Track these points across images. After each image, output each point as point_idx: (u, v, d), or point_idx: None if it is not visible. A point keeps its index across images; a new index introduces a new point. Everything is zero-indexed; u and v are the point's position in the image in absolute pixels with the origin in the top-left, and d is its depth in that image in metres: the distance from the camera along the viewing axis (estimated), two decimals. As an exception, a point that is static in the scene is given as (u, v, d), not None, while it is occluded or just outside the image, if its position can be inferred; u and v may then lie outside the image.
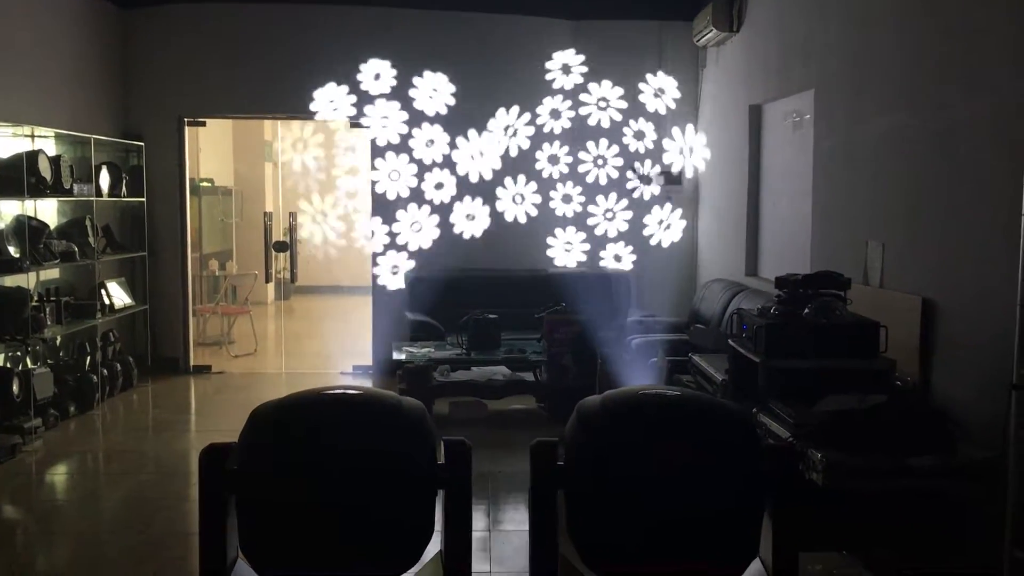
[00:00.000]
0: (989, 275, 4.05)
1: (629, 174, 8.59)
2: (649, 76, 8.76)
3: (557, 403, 6.88)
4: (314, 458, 2.35)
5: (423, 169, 8.74)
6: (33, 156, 6.65)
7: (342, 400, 2.45)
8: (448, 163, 8.80)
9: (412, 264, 8.78)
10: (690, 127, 7.43)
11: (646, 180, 8.46)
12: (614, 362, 6.74)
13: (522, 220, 8.92)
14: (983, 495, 3.77)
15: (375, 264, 8.87)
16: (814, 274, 4.82)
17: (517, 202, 8.73)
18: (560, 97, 8.22)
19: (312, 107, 8.64)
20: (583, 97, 8.84)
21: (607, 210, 8.96)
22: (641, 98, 8.83)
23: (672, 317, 8.60)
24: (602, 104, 8.79)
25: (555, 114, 8.44)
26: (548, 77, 8.73)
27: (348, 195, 13.67)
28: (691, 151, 8.27)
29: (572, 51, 8.18)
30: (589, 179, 8.91)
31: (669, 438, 2.37)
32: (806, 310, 4.56)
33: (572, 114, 8.68)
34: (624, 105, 8.85)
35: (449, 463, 2.47)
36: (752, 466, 2.37)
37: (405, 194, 8.77)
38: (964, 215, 4.30)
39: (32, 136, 6.91)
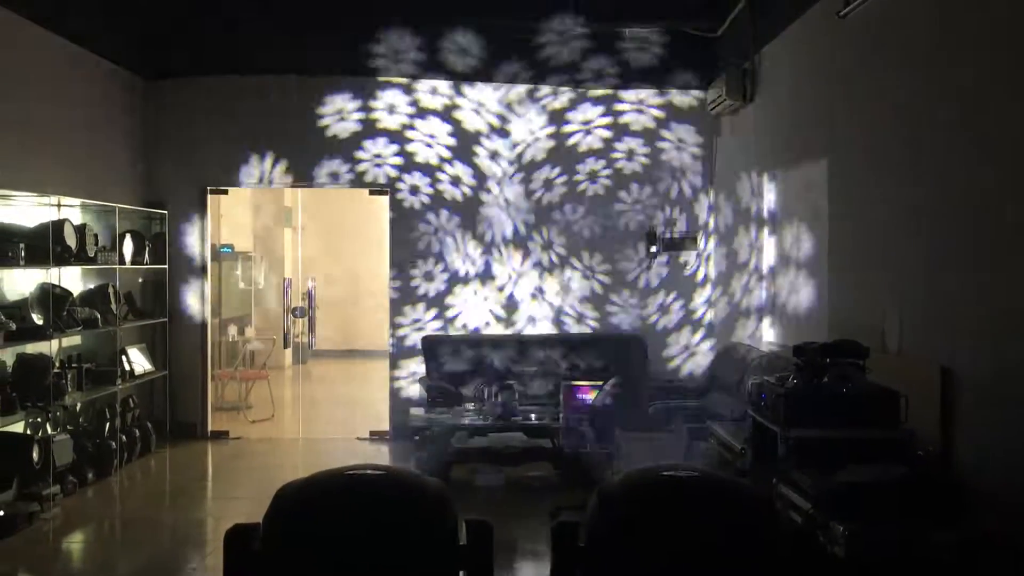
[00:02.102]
0: (1008, 342, 4.05)
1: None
2: (661, 143, 8.95)
3: (574, 470, 6.86)
4: (337, 539, 2.36)
5: (440, 232, 8.93)
6: (59, 225, 6.77)
7: (364, 481, 2.46)
8: (466, 230, 8.96)
9: (430, 325, 8.89)
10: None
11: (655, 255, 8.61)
12: (632, 429, 6.73)
13: (537, 287, 9.04)
14: (1006, 567, 3.72)
15: (393, 325, 8.97)
16: (832, 342, 4.82)
17: (530, 273, 8.83)
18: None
19: (329, 175, 8.86)
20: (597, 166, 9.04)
21: (624, 274, 9.07)
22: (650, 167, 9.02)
23: (689, 382, 8.60)
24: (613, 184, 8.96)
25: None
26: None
27: (366, 260, 13.80)
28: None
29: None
30: (605, 246, 9.04)
31: (689, 521, 2.37)
32: (825, 379, 4.56)
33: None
34: (638, 168, 9.03)
35: (471, 544, 2.47)
36: (772, 548, 2.37)
37: (423, 257, 8.94)
38: (981, 281, 4.31)
39: (58, 206, 7.04)
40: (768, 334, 7.62)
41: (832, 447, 4.33)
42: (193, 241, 8.91)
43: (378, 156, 8.93)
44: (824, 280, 6.27)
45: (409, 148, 8.95)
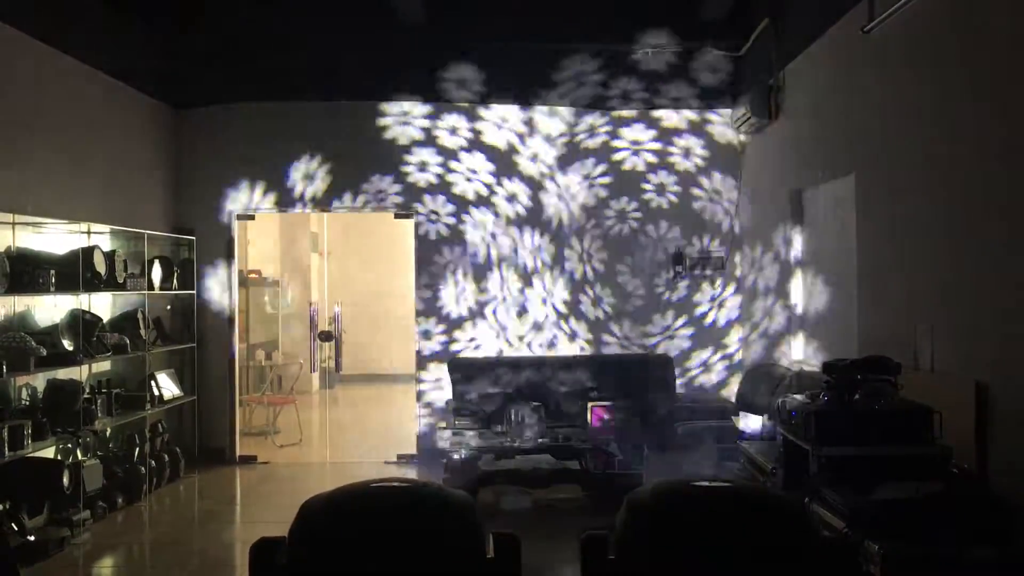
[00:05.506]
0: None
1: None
2: (687, 162, 8.93)
3: (603, 492, 6.79)
4: (363, 552, 2.34)
5: (465, 251, 8.95)
6: (89, 252, 6.84)
7: (390, 493, 2.45)
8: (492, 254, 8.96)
9: (455, 346, 8.88)
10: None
11: (684, 275, 8.54)
12: (661, 449, 6.66)
13: (560, 308, 9.02)
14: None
15: (419, 350, 8.97)
16: (863, 359, 4.75)
17: (549, 297, 8.80)
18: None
19: (358, 200, 8.92)
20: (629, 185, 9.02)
21: (653, 293, 9.03)
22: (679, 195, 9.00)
23: (718, 402, 8.51)
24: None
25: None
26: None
27: (391, 284, 13.83)
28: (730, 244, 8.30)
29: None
30: (631, 264, 9.01)
31: (721, 531, 2.33)
32: (856, 396, 4.49)
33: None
34: (662, 199, 9.02)
35: (498, 557, 2.44)
36: (806, 559, 2.32)
37: (446, 278, 8.95)
38: (1015, 295, 4.24)
39: (88, 232, 7.12)
40: (797, 352, 7.55)
41: (865, 465, 4.26)
42: (220, 266, 8.99)
43: (409, 183, 8.99)
44: (854, 297, 6.21)
45: (436, 169, 8.99)
